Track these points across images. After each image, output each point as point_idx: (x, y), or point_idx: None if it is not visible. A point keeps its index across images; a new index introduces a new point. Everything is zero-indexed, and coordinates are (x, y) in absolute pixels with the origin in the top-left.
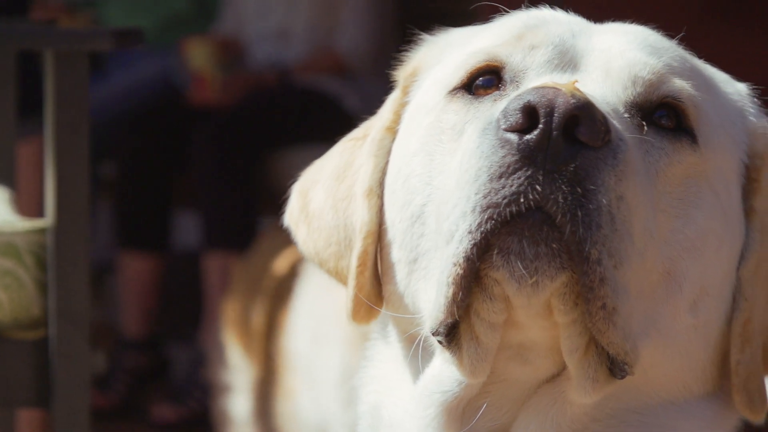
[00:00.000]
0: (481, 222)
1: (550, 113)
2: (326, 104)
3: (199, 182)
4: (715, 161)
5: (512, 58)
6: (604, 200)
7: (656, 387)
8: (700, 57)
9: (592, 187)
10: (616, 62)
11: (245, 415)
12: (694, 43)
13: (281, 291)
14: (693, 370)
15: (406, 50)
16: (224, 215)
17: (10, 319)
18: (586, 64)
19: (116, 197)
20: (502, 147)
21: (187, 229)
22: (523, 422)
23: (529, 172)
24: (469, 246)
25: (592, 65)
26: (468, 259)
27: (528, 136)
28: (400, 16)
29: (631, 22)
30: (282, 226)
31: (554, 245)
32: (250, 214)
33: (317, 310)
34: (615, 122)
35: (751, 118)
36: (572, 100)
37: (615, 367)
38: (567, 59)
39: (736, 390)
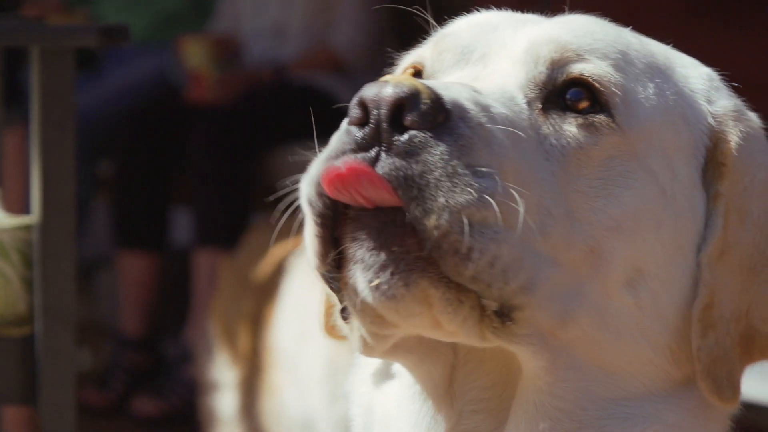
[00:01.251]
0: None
1: (378, 106)
2: (322, 101)
3: (195, 180)
4: (652, 141)
5: (428, 61)
6: (438, 173)
7: (631, 371)
8: (690, 53)
9: (423, 168)
10: (521, 46)
11: (231, 412)
12: (684, 40)
13: (268, 287)
14: (659, 353)
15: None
16: (218, 212)
17: None
18: (499, 55)
19: (114, 196)
20: (345, 137)
21: (181, 226)
22: (514, 409)
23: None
24: (318, 219)
25: (505, 55)
26: (320, 226)
27: (362, 131)
28: (396, 12)
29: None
30: (271, 221)
31: (395, 248)
32: (243, 212)
33: (303, 307)
34: (467, 103)
35: (715, 101)
36: (395, 90)
37: (487, 308)
38: (477, 56)
39: (700, 376)
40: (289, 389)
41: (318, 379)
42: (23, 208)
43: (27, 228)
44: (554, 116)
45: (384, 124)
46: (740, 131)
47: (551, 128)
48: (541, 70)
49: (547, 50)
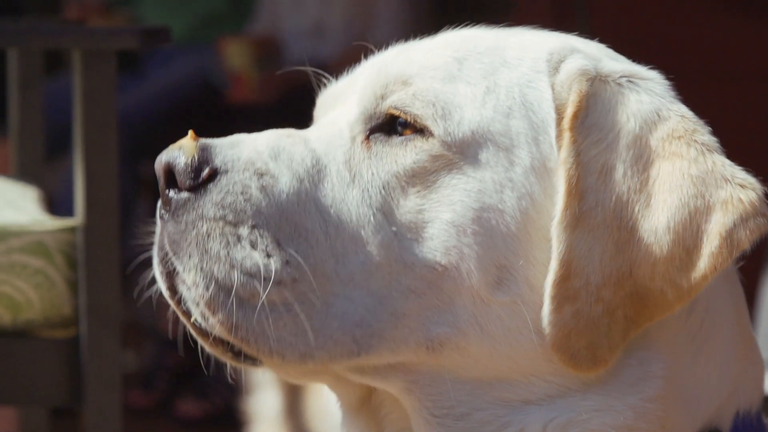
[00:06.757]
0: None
1: (159, 176)
2: None
3: None
4: (481, 141)
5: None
6: (202, 228)
7: (532, 373)
8: (722, 47)
9: (180, 229)
10: (363, 82)
11: (274, 412)
12: (717, 34)
13: None
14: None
15: None
16: None
17: (41, 317)
18: (353, 94)
19: (156, 197)
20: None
21: None
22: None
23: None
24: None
25: (355, 93)
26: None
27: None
28: (435, 10)
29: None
30: None
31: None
32: None
33: None
34: (238, 162)
35: (561, 70)
36: (165, 158)
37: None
38: (344, 98)
39: (553, 350)
40: None
41: None
42: None
43: (71, 230)
44: (379, 144)
45: (166, 191)
46: (585, 91)
47: (372, 158)
48: (367, 106)
49: (372, 85)
